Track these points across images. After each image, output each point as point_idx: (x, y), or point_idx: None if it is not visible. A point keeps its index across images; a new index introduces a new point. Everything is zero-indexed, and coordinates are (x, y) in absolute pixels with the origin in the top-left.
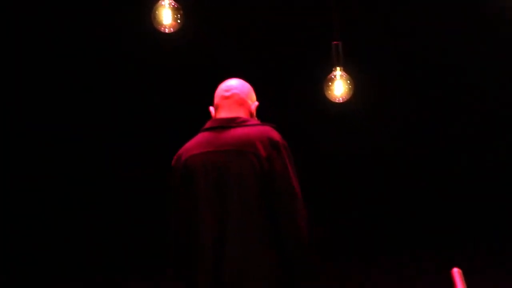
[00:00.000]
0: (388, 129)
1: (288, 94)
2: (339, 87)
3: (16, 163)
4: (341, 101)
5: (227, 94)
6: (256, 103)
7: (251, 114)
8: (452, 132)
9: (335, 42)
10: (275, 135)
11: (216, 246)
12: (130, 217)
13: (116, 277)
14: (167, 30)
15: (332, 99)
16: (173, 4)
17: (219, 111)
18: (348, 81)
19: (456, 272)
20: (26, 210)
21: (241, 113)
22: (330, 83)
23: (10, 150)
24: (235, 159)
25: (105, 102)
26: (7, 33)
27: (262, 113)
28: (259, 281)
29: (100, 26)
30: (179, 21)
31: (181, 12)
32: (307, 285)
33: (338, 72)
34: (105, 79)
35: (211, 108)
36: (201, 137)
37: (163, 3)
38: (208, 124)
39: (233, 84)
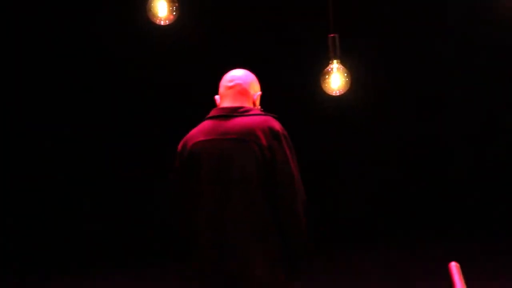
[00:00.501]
0: (386, 125)
1: (284, 88)
2: (336, 80)
3: (16, 163)
4: (338, 94)
5: (230, 84)
6: (259, 93)
7: (253, 104)
8: (450, 128)
9: (331, 35)
10: (276, 124)
11: (218, 232)
12: (130, 217)
13: (116, 275)
14: (162, 23)
15: (329, 92)
16: None
17: (223, 101)
18: (345, 74)
19: (454, 266)
20: (26, 210)
21: (244, 103)
22: (326, 76)
23: (10, 150)
24: (238, 147)
25: (104, 101)
26: (7, 32)
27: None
28: (260, 267)
29: (95, 23)
30: (174, 13)
31: (177, 4)
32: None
33: (335, 65)
34: (104, 78)
35: (216, 97)
36: (205, 125)
37: None
38: (212, 113)
39: (237, 75)
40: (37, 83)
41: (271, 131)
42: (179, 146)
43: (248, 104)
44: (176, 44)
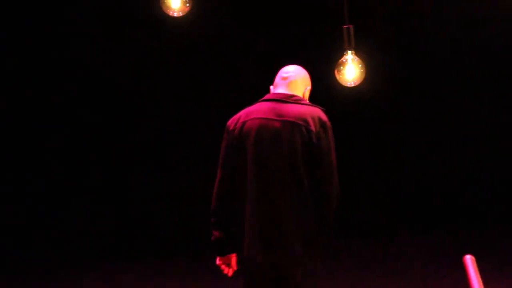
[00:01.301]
0: (400, 119)
1: None
2: (350, 71)
3: (16, 162)
4: (353, 85)
5: (285, 75)
6: (309, 87)
7: (303, 95)
8: (463, 120)
9: (346, 26)
10: (324, 116)
11: (262, 201)
12: (129, 216)
13: (117, 273)
14: (175, 14)
15: (344, 84)
16: None
17: (277, 89)
18: (360, 65)
19: (469, 259)
20: (25, 209)
21: (295, 93)
22: (341, 67)
23: (11, 150)
24: (290, 128)
25: (105, 100)
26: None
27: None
28: (296, 234)
29: (105, 14)
30: (187, 5)
31: None
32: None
33: (349, 56)
34: (104, 77)
35: (271, 87)
36: (260, 106)
37: None
38: (267, 96)
39: (291, 69)
40: (36, 83)
41: (320, 120)
42: (230, 123)
43: (298, 94)
44: (186, 37)
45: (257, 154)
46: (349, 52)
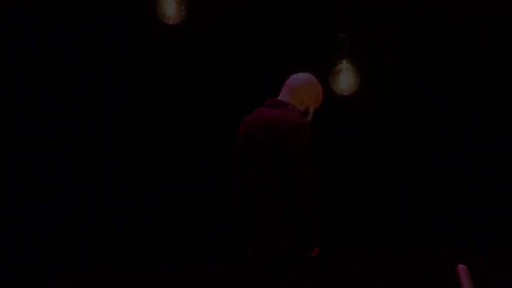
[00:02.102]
0: (394, 125)
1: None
2: (345, 79)
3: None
4: (348, 93)
5: (289, 82)
6: (309, 95)
7: (300, 103)
8: (458, 126)
9: (341, 35)
10: (297, 118)
11: (243, 199)
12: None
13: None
14: (171, 22)
15: (339, 92)
16: None
17: (280, 94)
18: (354, 74)
19: (462, 268)
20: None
21: (291, 99)
22: (336, 76)
23: (11, 149)
24: (264, 131)
25: (105, 99)
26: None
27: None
28: (276, 234)
29: (102, 19)
30: (183, 12)
31: (185, 3)
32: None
33: (344, 64)
34: (104, 75)
35: None
36: (256, 110)
37: None
38: (266, 101)
39: (297, 77)
40: (36, 82)
41: (291, 123)
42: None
43: (294, 101)
44: (179, 44)
45: (240, 156)
46: (344, 61)
